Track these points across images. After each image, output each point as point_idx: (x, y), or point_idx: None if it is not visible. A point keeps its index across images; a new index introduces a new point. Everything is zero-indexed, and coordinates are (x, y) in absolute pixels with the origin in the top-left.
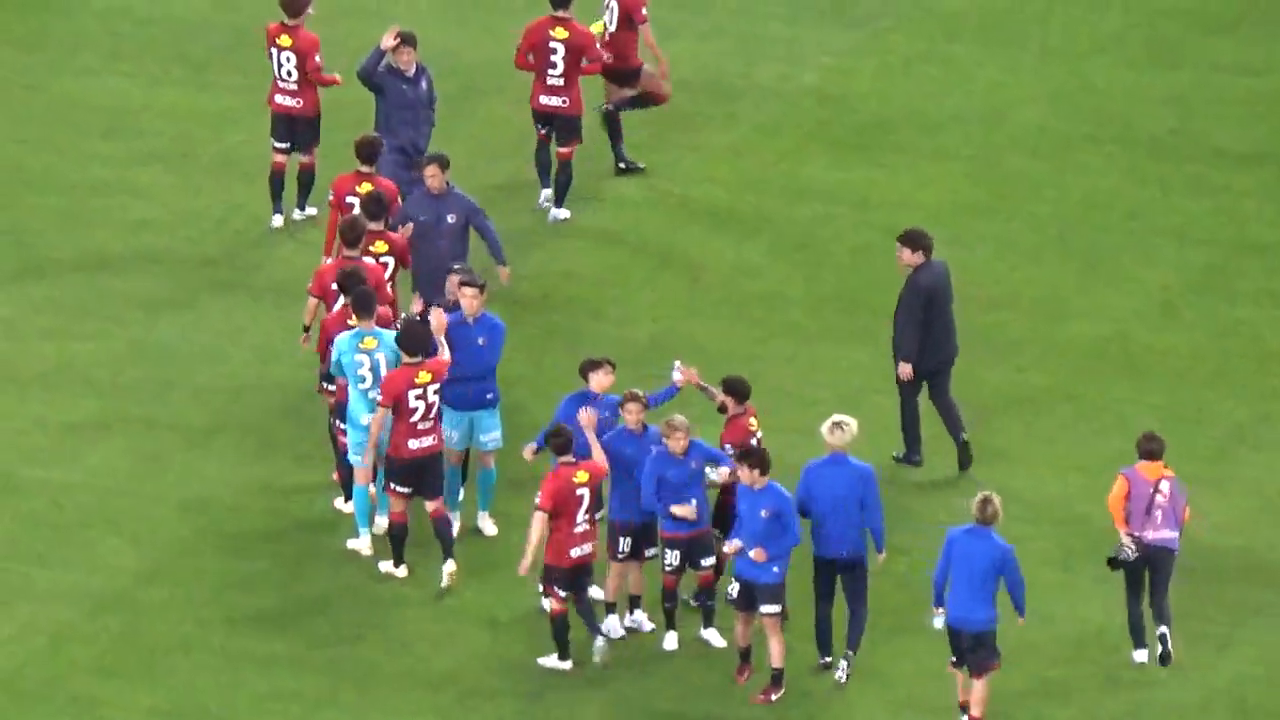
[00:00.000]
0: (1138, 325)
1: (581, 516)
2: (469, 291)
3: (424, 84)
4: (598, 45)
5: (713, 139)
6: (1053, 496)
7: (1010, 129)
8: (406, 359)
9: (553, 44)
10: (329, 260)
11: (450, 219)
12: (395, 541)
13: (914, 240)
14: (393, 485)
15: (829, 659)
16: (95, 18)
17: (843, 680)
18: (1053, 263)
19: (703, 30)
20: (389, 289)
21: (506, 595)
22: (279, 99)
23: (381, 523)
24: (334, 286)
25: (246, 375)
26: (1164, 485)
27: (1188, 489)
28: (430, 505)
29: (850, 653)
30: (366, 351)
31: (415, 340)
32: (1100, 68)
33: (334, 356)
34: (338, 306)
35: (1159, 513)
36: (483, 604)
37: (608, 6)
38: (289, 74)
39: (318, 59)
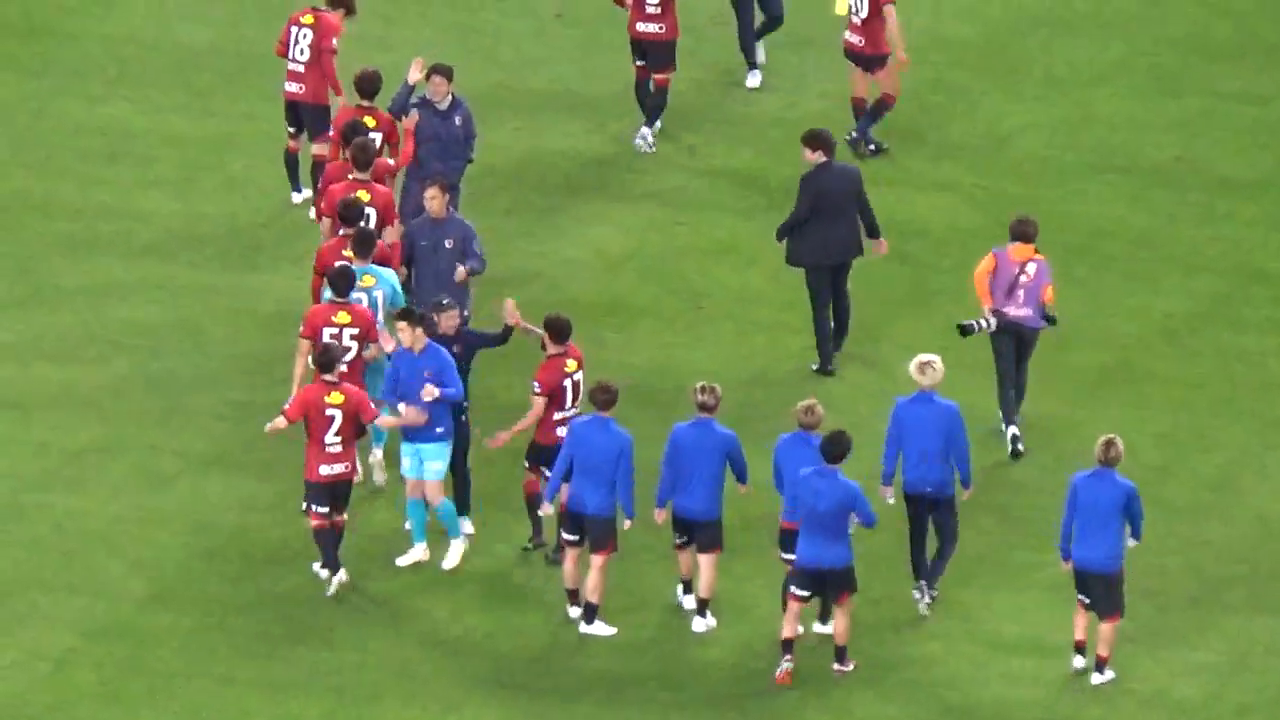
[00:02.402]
0: (1142, 353)
1: (331, 437)
2: (400, 324)
3: (458, 118)
4: (846, 29)
5: (716, 166)
6: (1060, 525)
7: (1014, 157)
8: (332, 297)
9: None
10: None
11: (448, 244)
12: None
13: (812, 140)
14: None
15: (927, 585)
16: (99, 44)
17: (925, 610)
18: (1057, 291)
19: (707, 61)
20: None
21: (509, 623)
22: (287, 85)
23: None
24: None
25: (251, 400)
26: (1030, 266)
27: (1052, 270)
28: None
29: (930, 586)
30: (365, 289)
31: (342, 282)
32: (1104, 96)
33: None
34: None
35: (1021, 292)
36: (485, 632)
37: None
38: (301, 53)
39: (334, 41)
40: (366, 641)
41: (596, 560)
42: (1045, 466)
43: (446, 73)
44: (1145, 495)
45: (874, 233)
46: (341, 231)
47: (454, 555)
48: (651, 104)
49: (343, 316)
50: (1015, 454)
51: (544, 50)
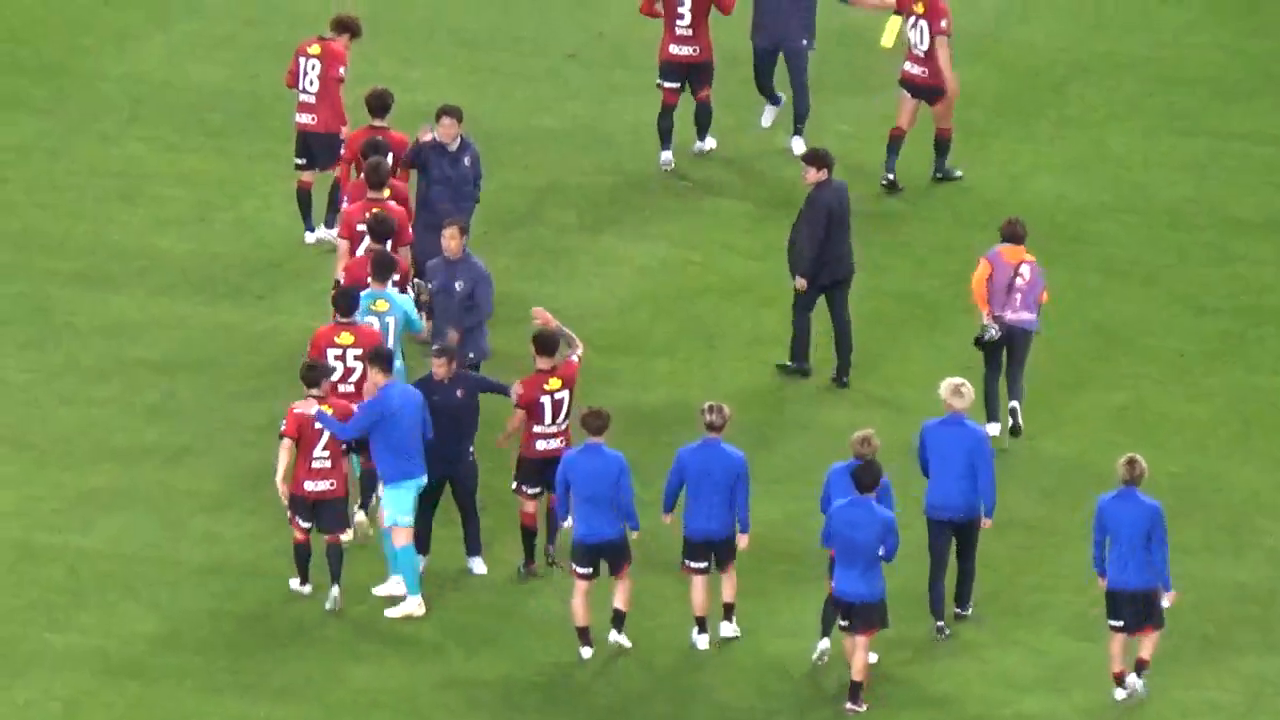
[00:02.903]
0: (1155, 393)
1: (319, 451)
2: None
3: (467, 160)
4: (910, 61)
5: (731, 206)
6: (1073, 565)
7: (1027, 197)
8: (336, 318)
9: None
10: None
11: (459, 285)
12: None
13: (817, 159)
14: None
15: (943, 624)
16: (114, 84)
17: (945, 635)
18: (1069, 330)
19: (721, 99)
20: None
21: (520, 660)
22: (298, 116)
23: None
24: (360, 229)
25: (264, 440)
26: (1024, 269)
27: (1045, 273)
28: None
29: (964, 607)
30: (377, 313)
31: (345, 303)
32: (1117, 136)
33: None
34: (361, 251)
35: (1018, 295)
36: (496, 670)
37: (915, 23)
38: (311, 83)
39: (341, 70)
40: (380, 680)
41: (623, 576)
42: (1058, 506)
43: (456, 114)
44: None
45: None
46: (366, 246)
47: (399, 608)
48: (700, 120)
49: (346, 337)
50: (1015, 430)
51: (558, 90)
